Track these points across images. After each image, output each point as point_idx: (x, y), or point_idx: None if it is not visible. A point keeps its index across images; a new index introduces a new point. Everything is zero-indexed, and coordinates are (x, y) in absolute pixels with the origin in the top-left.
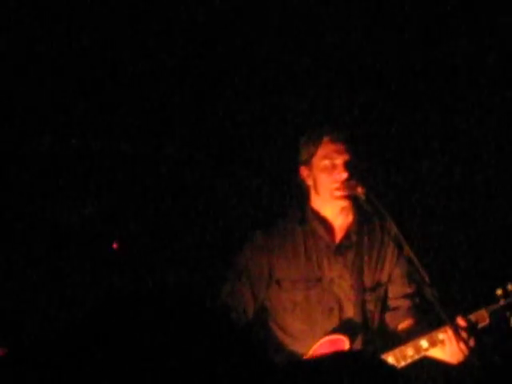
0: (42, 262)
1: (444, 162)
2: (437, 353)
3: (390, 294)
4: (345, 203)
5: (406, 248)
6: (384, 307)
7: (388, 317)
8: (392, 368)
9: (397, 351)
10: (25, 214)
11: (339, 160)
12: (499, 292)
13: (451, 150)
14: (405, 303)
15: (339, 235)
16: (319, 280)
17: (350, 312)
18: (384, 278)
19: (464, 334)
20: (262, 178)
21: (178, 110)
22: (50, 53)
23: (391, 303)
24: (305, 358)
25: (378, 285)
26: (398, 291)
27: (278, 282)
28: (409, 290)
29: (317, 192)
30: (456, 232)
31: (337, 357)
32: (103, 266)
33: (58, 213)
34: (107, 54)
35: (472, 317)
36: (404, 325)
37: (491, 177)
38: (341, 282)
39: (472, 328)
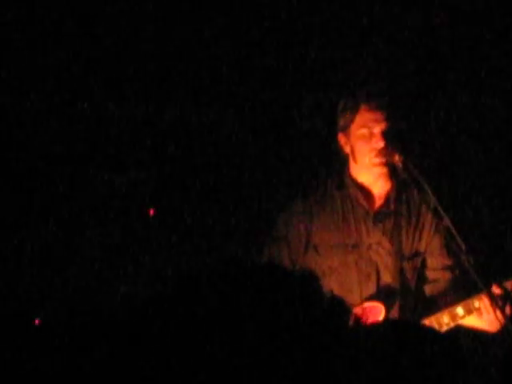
0: (78, 229)
1: (483, 133)
2: (473, 321)
3: (430, 266)
4: (382, 170)
5: (444, 217)
6: (420, 277)
7: (428, 288)
8: (436, 332)
9: (432, 318)
10: (61, 181)
11: (377, 129)
12: None
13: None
14: (445, 275)
15: (378, 202)
16: (356, 246)
17: (388, 279)
18: (422, 247)
19: (500, 302)
20: (301, 144)
21: (216, 81)
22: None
23: (430, 275)
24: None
25: (415, 254)
26: (437, 263)
27: (315, 248)
28: (448, 262)
29: (354, 159)
30: (491, 201)
31: (381, 327)
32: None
33: (94, 179)
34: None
35: (508, 284)
36: (441, 293)
37: None
38: (379, 249)
39: (508, 295)
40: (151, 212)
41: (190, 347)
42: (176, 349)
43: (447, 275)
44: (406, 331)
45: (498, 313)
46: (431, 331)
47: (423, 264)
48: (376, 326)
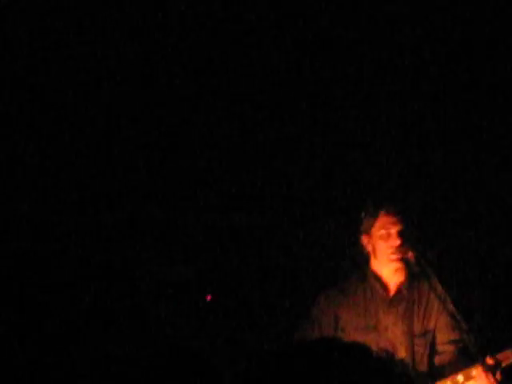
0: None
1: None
2: None
3: (438, 340)
4: (398, 265)
5: (449, 303)
6: (432, 350)
7: (436, 359)
8: None
9: None
10: (134, 270)
11: (393, 230)
12: None
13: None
14: (450, 348)
15: (393, 291)
16: (375, 327)
17: (402, 353)
18: (431, 325)
19: (492, 370)
20: (330, 245)
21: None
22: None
23: (439, 348)
24: None
25: (426, 331)
26: (444, 338)
27: (342, 330)
28: (453, 337)
29: (375, 256)
30: (487, 284)
31: None
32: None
33: (162, 270)
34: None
35: (499, 356)
36: (447, 363)
37: None
38: (394, 329)
39: (498, 365)
40: (209, 298)
41: None
42: None
43: (452, 348)
44: None
45: (491, 379)
46: None
47: (433, 340)
48: None
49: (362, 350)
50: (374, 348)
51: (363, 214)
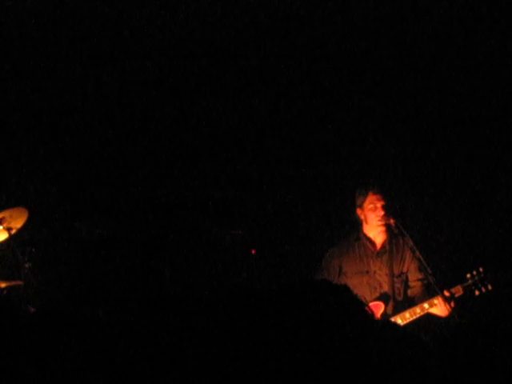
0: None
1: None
2: (433, 311)
3: (410, 279)
4: (382, 228)
5: (417, 254)
6: (406, 286)
7: (409, 292)
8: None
9: (410, 310)
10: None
11: (379, 204)
12: (469, 275)
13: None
14: (418, 284)
15: (378, 246)
16: (367, 272)
17: (385, 289)
18: (405, 269)
19: (448, 300)
20: (337, 217)
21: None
22: None
23: (410, 284)
24: None
25: (402, 273)
26: (413, 277)
27: (344, 274)
28: (420, 276)
29: (366, 222)
30: (447, 242)
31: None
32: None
33: (221, 234)
34: None
35: (453, 290)
36: (416, 295)
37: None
38: (380, 273)
39: (452, 296)
40: (253, 251)
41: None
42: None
43: (419, 284)
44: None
45: (447, 306)
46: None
47: (407, 279)
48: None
49: (346, 288)
50: (366, 286)
51: (357, 194)
